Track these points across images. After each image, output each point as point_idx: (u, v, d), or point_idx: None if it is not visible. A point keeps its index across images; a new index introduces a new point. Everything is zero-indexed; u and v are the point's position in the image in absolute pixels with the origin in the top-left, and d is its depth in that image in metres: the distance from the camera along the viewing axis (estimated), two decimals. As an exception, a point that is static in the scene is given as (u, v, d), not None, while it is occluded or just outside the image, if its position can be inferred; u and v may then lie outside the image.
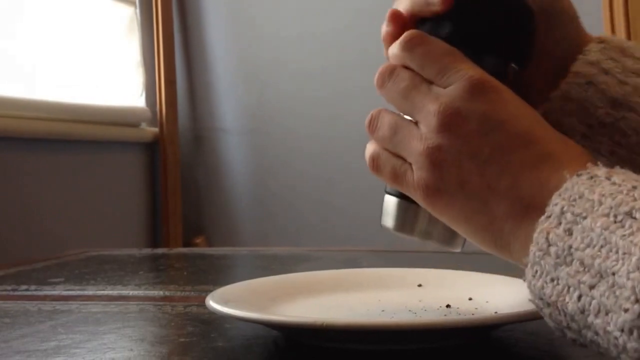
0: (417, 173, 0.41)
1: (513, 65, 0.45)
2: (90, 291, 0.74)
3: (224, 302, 0.50)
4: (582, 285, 0.33)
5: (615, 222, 0.32)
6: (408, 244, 0.55)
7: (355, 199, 1.71)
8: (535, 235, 0.35)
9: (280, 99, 1.87)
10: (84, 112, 1.62)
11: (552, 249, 0.34)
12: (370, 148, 0.45)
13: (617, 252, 0.32)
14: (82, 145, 1.62)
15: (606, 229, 0.32)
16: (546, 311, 0.35)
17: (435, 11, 0.44)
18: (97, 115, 1.67)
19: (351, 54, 1.76)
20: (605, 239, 0.32)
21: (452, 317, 0.52)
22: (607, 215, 0.33)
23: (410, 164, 0.42)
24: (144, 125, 1.85)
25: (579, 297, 0.33)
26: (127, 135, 1.80)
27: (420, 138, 0.41)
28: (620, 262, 0.31)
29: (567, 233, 0.34)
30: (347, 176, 1.75)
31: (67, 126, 1.56)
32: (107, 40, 1.75)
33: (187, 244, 1.88)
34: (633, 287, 0.30)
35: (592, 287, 0.32)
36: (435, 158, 0.40)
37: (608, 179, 0.35)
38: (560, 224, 0.34)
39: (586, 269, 0.33)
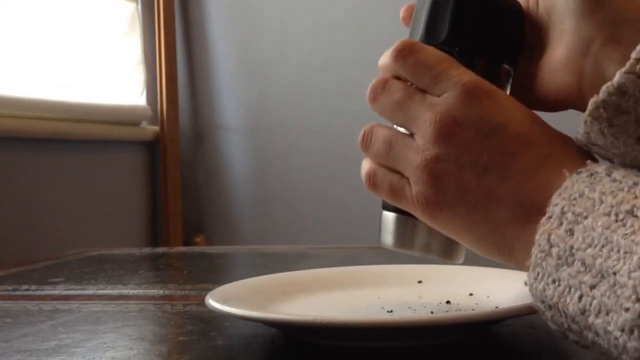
0: (415, 187, 0.41)
1: (506, 66, 0.44)
2: (90, 290, 0.74)
3: (224, 301, 0.50)
4: (583, 286, 0.32)
5: (616, 220, 0.32)
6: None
7: (354, 197, 1.70)
8: (537, 237, 0.35)
9: (281, 96, 1.87)
10: (85, 111, 1.62)
11: (554, 250, 0.34)
12: (366, 165, 0.44)
13: (618, 251, 0.31)
14: (82, 145, 1.62)
15: (607, 228, 0.32)
16: (548, 314, 0.35)
17: None
18: (98, 114, 1.67)
19: (354, 51, 1.76)
20: (606, 238, 0.32)
21: (452, 313, 0.52)
22: (608, 214, 0.32)
23: (407, 178, 0.41)
24: (144, 123, 1.85)
25: (580, 298, 0.33)
26: (128, 134, 1.79)
27: (417, 150, 0.40)
28: (622, 261, 0.31)
29: (568, 233, 0.34)
30: (347, 174, 1.75)
31: (67, 125, 1.56)
32: (108, 38, 1.75)
33: (187, 242, 1.88)
34: (634, 286, 0.30)
35: (593, 287, 0.32)
36: (433, 170, 0.39)
37: (608, 175, 0.34)
38: (561, 224, 0.34)
39: (587, 269, 0.32)
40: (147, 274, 0.91)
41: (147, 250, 1.23)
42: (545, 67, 0.42)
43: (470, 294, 0.57)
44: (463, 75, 0.40)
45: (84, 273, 0.88)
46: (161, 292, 0.73)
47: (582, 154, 0.38)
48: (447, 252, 0.45)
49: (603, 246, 0.32)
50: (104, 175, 1.69)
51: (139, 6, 1.85)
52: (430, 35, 0.43)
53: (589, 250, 0.32)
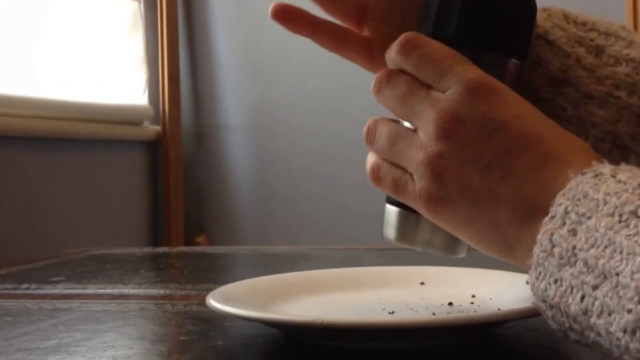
0: (418, 183, 0.40)
1: (514, 60, 0.44)
2: (90, 290, 0.74)
3: (224, 301, 0.50)
4: (585, 286, 0.32)
5: (620, 221, 0.32)
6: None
7: (357, 197, 1.70)
8: (539, 236, 0.35)
9: (284, 96, 1.86)
10: (87, 111, 1.62)
11: (556, 250, 0.34)
12: (370, 159, 0.44)
13: (621, 252, 0.31)
14: (84, 144, 1.62)
15: (611, 228, 0.32)
16: (549, 314, 0.35)
17: None
18: (100, 114, 1.67)
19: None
20: (609, 239, 0.32)
21: (454, 315, 0.51)
22: (612, 214, 0.32)
23: (411, 173, 0.41)
24: (146, 123, 1.85)
25: (582, 298, 0.32)
26: (130, 134, 1.79)
27: (420, 146, 0.40)
28: (625, 262, 0.31)
29: (571, 233, 0.33)
30: (349, 174, 1.75)
31: (69, 125, 1.56)
32: (110, 37, 1.75)
33: (189, 242, 1.88)
34: (637, 288, 0.30)
35: (595, 288, 0.32)
36: (436, 166, 0.39)
37: (613, 176, 0.34)
38: (564, 224, 0.34)
39: (590, 270, 0.32)
40: (148, 274, 0.91)
41: (148, 249, 1.23)
42: None
43: (473, 296, 0.56)
44: (468, 71, 0.40)
45: (84, 272, 0.88)
46: (162, 291, 0.73)
47: (587, 154, 0.38)
48: (449, 248, 0.45)
49: (606, 247, 0.32)
50: (106, 174, 1.69)
51: (142, 5, 1.85)
52: (437, 29, 0.43)
53: (592, 251, 0.32)
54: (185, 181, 1.91)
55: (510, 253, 0.39)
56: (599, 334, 0.32)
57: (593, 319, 0.32)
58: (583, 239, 0.33)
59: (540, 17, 0.47)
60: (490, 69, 0.41)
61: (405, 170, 0.42)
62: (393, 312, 0.53)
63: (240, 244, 1.83)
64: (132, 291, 0.73)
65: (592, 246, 0.32)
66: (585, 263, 0.32)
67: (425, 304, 0.55)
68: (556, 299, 0.34)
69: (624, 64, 0.46)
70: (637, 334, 0.30)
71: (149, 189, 1.86)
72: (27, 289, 0.76)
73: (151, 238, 1.86)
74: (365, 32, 0.51)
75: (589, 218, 0.33)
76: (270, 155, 1.88)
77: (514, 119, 0.39)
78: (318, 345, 0.47)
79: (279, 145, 1.87)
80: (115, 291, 0.73)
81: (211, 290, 0.54)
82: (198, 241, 1.90)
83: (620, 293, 0.31)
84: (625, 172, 0.34)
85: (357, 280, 0.62)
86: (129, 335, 0.54)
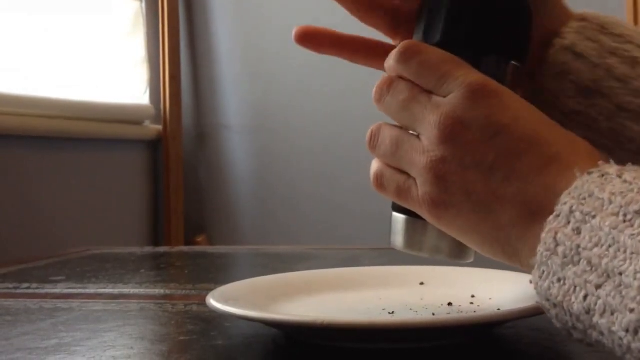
0: (422, 188, 0.40)
1: (514, 63, 0.44)
2: (91, 289, 0.74)
3: (225, 301, 0.50)
4: (588, 285, 0.32)
5: (624, 221, 0.32)
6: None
7: (357, 197, 1.70)
8: (543, 235, 0.35)
9: (284, 96, 1.86)
10: (88, 110, 1.62)
11: (560, 249, 0.34)
12: (374, 166, 0.44)
13: (625, 251, 0.31)
14: (85, 143, 1.62)
15: (615, 228, 0.32)
16: (553, 312, 0.35)
17: None
18: (101, 113, 1.67)
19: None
20: (613, 238, 0.32)
21: (453, 315, 0.51)
22: (617, 214, 0.32)
23: (414, 179, 0.41)
24: (147, 122, 1.85)
25: (585, 297, 0.32)
26: (131, 133, 1.80)
27: (423, 151, 0.40)
28: (628, 262, 0.31)
29: (575, 232, 0.33)
30: (350, 174, 1.75)
31: (70, 124, 1.56)
32: (112, 36, 1.75)
33: (189, 242, 1.88)
34: (639, 287, 0.30)
35: (598, 287, 0.32)
36: (439, 171, 0.39)
37: (619, 176, 0.34)
38: (569, 223, 0.34)
39: (593, 269, 0.32)
40: (149, 273, 0.91)
41: (149, 249, 1.23)
42: (537, 48, 0.46)
43: (472, 296, 0.56)
44: (468, 75, 0.40)
45: (85, 272, 0.88)
46: (162, 291, 0.73)
47: (591, 155, 0.38)
48: (456, 253, 0.45)
49: (610, 246, 0.32)
50: (107, 174, 1.69)
51: (143, 5, 1.85)
52: (433, 35, 0.43)
53: (596, 250, 0.32)
54: (186, 181, 1.91)
55: (514, 256, 0.39)
56: (601, 333, 0.32)
57: (596, 318, 0.32)
58: (587, 238, 0.33)
59: (572, 26, 0.46)
60: (491, 72, 0.41)
61: (408, 176, 0.42)
62: (393, 313, 0.53)
63: (241, 243, 1.83)
64: (132, 291, 0.73)
65: (596, 245, 0.32)
66: (589, 262, 0.32)
67: (425, 304, 0.55)
68: (559, 298, 0.34)
69: None
70: None
71: (150, 188, 1.86)
72: (28, 288, 0.76)
73: (151, 237, 1.86)
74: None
75: (594, 217, 0.33)
76: (271, 155, 1.88)
77: (516, 121, 0.39)
78: (318, 345, 0.47)
79: (279, 145, 1.87)
80: (116, 291, 0.73)
81: (211, 290, 0.54)
82: (198, 241, 1.90)
83: (624, 292, 0.31)
84: (631, 172, 0.34)
85: (357, 280, 0.62)
86: (130, 335, 0.54)
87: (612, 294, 0.31)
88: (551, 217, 0.35)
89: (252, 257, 1.11)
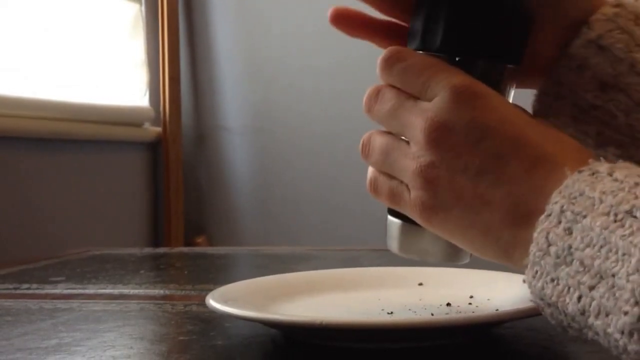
0: (413, 192, 0.41)
1: (509, 65, 0.43)
2: (91, 290, 0.74)
3: (224, 301, 0.50)
4: (582, 286, 0.32)
5: (615, 221, 0.32)
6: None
7: (356, 199, 1.70)
8: (535, 234, 0.35)
9: (284, 98, 1.87)
10: (87, 112, 1.62)
11: (552, 249, 0.34)
12: (370, 172, 0.45)
13: (616, 252, 0.31)
14: (84, 145, 1.62)
15: (606, 228, 0.32)
16: (547, 311, 0.35)
17: None
18: (101, 115, 1.67)
19: (358, 51, 1.75)
20: (605, 238, 0.32)
21: (452, 315, 0.51)
22: (608, 214, 0.32)
23: (405, 184, 0.42)
24: (147, 124, 1.85)
25: (579, 298, 0.32)
26: (130, 135, 1.80)
27: (412, 157, 0.40)
28: (620, 263, 0.31)
29: (566, 232, 0.33)
30: (349, 175, 1.75)
31: (70, 126, 1.56)
32: (112, 38, 1.75)
33: (189, 243, 1.88)
34: (632, 290, 0.30)
35: (592, 288, 0.32)
36: (428, 175, 0.40)
37: (610, 174, 0.34)
38: (560, 222, 0.34)
39: (586, 270, 0.32)
40: (148, 274, 0.91)
41: (149, 250, 1.24)
42: (563, 35, 0.44)
43: (471, 297, 0.57)
44: (452, 77, 0.40)
45: (85, 272, 0.88)
46: (162, 292, 0.73)
47: (580, 153, 0.38)
48: (450, 257, 0.45)
49: (601, 247, 0.32)
50: (107, 175, 1.70)
51: (143, 7, 1.85)
52: (425, 41, 0.43)
53: (588, 251, 0.32)
54: (186, 182, 1.91)
55: (506, 257, 0.39)
56: (597, 334, 0.32)
57: (591, 319, 0.32)
58: (579, 238, 0.33)
59: (605, 13, 0.44)
60: (483, 76, 0.41)
61: (400, 181, 0.42)
62: (392, 313, 0.53)
63: (240, 244, 1.83)
64: (132, 291, 0.73)
65: (588, 246, 0.32)
66: (582, 263, 0.32)
67: (424, 305, 0.55)
68: (553, 298, 0.34)
69: None
70: (635, 335, 0.30)
71: (150, 189, 1.87)
72: (28, 288, 0.76)
73: (151, 238, 1.86)
74: None
75: (585, 217, 0.33)
76: (270, 157, 1.89)
77: (502, 123, 0.39)
78: (317, 346, 0.48)
79: (279, 146, 1.87)
80: (116, 291, 0.73)
81: (211, 290, 0.54)
82: (198, 242, 1.90)
83: (617, 294, 0.31)
84: (622, 170, 0.34)
85: (356, 280, 0.62)
86: (129, 335, 0.54)
87: (606, 295, 0.31)
88: (542, 217, 0.35)
89: (251, 257, 1.12)
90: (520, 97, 0.45)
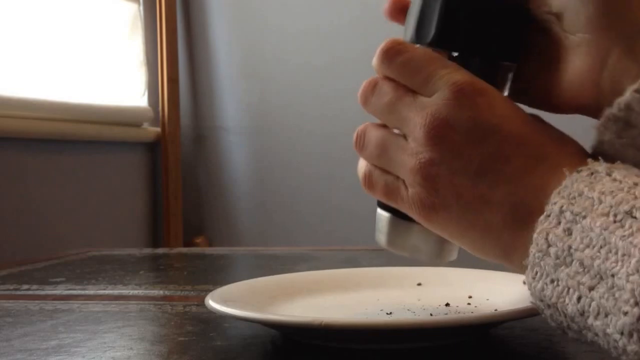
0: (411, 189, 0.40)
1: (507, 62, 0.43)
2: (91, 291, 0.74)
3: (223, 302, 0.50)
4: (581, 287, 0.32)
5: (614, 221, 0.32)
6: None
7: (355, 198, 1.70)
8: (535, 235, 0.35)
9: (283, 98, 1.87)
10: (86, 112, 1.62)
11: (552, 250, 0.34)
12: (362, 165, 0.44)
13: (616, 253, 0.31)
14: (83, 145, 1.62)
15: (606, 229, 0.32)
16: (547, 312, 0.35)
17: None
18: (99, 115, 1.67)
19: (356, 52, 1.75)
20: (604, 239, 0.32)
21: (451, 315, 0.52)
22: (607, 214, 0.32)
23: (402, 179, 0.41)
24: (145, 125, 1.85)
25: (579, 299, 0.32)
26: (129, 135, 1.80)
27: (411, 153, 0.40)
28: (620, 263, 0.31)
29: (566, 233, 0.33)
30: (347, 175, 1.74)
31: (69, 126, 1.56)
32: (110, 39, 1.75)
33: (188, 243, 1.88)
34: (632, 290, 0.30)
35: (591, 289, 0.32)
36: (428, 172, 0.39)
37: (609, 174, 0.34)
38: (559, 223, 0.34)
39: (586, 270, 0.32)
40: (148, 275, 0.91)
41: (148, 250, 1.24)
42: (561, 77, 0.40)
43: (470, 297, 0.57)
44: (453, 74, 0.39)
45: (84, 273, 0.88)
46: (161, 292, 0.73)
47: (580, 153, 0.38)
48: (437, 254, 0.45)
49: (601, 247, 0.32)
50: (105, 176, 1.70)
51: (141, 7, 1.85)
52: (420, 35, 0.42)
53: (587, 251, 0.32)
54: (185, 182, 1.91)
55: (505, 258, 0.39)
56: (596, 335, 0.32)
57: (590, 320, 0.32)
58: (578, 238, 0.33)
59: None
60: (480, 72, 0.41)
61: (397, 177, 0.41)
62: (391, 313, 0.53)
63: (239, 245, 1.84)
64: (132, 292, 0.73)
65: (588, 246, 0.32)
66: (581, 263, 0.32)
67: (423, 305, 0.55)
68: (553, 299, 0.34)
69: None
70: (634, 336, 0.30)
71: (149, 190, 1.87)
72: (28, 289, 0.76)
73: (150, 239, 1.86)
74: None
75: (584, 217, 0.33)
76: (269, 157, 1.89)
77: (502, 121, 0.38)
78: (316, 346, 0.48)
79: (277, 147, 1.87)
80: (115, 292, 0.73)
81: (210, 291, 0.54)
82: (197, 242, 1.90)
83: (616, 295, 0.31)
84: (621, 170, 0.34)
85: (355, 281, 0.62)
86: (129, 336, 0.54)
87: (606, 296, 0.31)
88: (542, 217, 0.35)
89: (250, 258, 1.12)
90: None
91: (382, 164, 0.42)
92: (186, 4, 1.95)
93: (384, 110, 0.42)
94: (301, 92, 1.85)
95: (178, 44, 1.91)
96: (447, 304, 0.55)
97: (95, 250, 1.12)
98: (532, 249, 0.35)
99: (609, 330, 0.31)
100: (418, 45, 0.42)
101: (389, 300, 0.57)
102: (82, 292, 0.74)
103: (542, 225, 0.35)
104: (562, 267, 0.33)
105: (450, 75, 0.39)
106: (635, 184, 0.33)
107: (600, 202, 0.33)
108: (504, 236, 0.38)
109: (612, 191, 0.33)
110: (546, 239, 0.34)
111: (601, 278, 0.31)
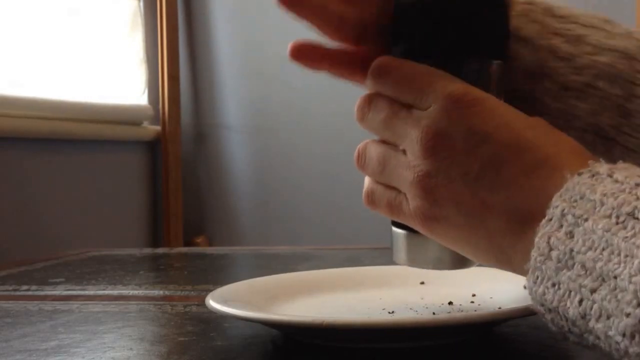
0: (412, 202, 0.41)
1: (496, 61, 0.43)
2: (90, 291, 0.74)
3: (224, 302, 0.50)
4: (583, 289, 0.32)
5: (617, 223, 0.32)
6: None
7: (356, 197, 1.70)
8: (536, 239, 0.35)
9: (284, 96, 1.86)
10: (86, 111, 1.62)
11: (554, 253, 0.33)
12: (366, 183, 0.44)
13: (619, 254, 0.31)
14: (83, 144, 1.62)
15: (608, 230, 0.32)
16: (548, 317, 0.35)
17: None
18: (99, 114, 1.67)
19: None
20: (607, 241, 0.31)
21: (454, 314, 0.51)
22: (609, 216, 0.32)
23: (404, 194, 0.41)
24: (146, 123, 1.85)
25: (580, 302, 0.32)
26: (129, 134, 1.79)
27: (409, 166, 0.40)
28: (622, 265, 0.30)
29: (568, 236, 0.33)
30: (349, 174, 1.74)
31: (68, 125, 1.56)
32: (110, 36, 1.75)
33: (188, 243, 1.88)
34: (635, 291, 0.30)
35: (593, 291, 0.31)
36: (426, 185, 0.39)
37: (610, 176, 0.34)
38: (561, 227, 0.34)
39: (587, 273, 0.32)
40: (148, 275, 0.90)
41: (148, 250, 1.23)
42: None
43: (473, 295, 0.56)
44: (447, 85, 0.40)
45: (84, 273, 0.88)
46: (161, 292, 0.73)
47: (580, 154, 0.38)
48: (460, 261, 0.45)
49: (603, 249, 0.31)
50: (105, 175, 1.69)
51: (141, 4, 1.85)
52: (407, 48, 0.42)
53: (589, 254, 0.32)
54: (185, 181, 1.91)
55: (507, 263, 0.38)
56: (598, 338, 0.32)
57: (592, 323, 0.32)
58: (580, 241, 0.33)
59: (517, 10, 0.46)
60: (473, 76, 0.41)
61: (399, 191, 0.42)
62: (393, 312, 0.53)
63: (240, 244, 1.83)
64: (131, 292, 0.73)
65: (590, 249, 0.32)
66: (583, 266, 0.32)
67: (426, 304, 0.55)
68: (554, 303, 0.34)
69: (604, 53, 0.45)
70: (637, 337, 0.29)
71: (149, 189, 1.86)
72: (28, 290, 0.76)
73: (150, 239, 1.86)
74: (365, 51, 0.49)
75: (586, 220, 0.33)
76: (270, 155, 1.88)
77: (499, 127, 0.38)
78: (317, 346, 0.47)
79: (278, 145, 1.87)
80: (115, 292, 0.73)
81: (210, 291, 0.54)
82: (197, 242, 1.90)
83: (619, 296, 0.30)
84: (622, 171, 0.34)
85: (357, 280, 0.62)
86: (129, 336, 0.54)
87: (608, 297, 0.31)
88: (543, 221, 0.35)
89: (251, 257, 1.11)
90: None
91: (384, 179, 0.43)
92: (187, 1, 1.95)
93: (381, 127, 0.42)
94: (303, 90, 1.84)
95: (179, 41, 1.91)
96: (450, 303, 0.55)
97: (95, 251, 1.11)
98: (534, 253, 0.35)
99: (610, 333, 0.31)
100: (406, 59, 0.42)
101: (392, 299, 0.57)
102: (82, 292, 0.73)
103: (544, 229, 0.34)
104: (564, 271, 0.33)
105: (444, 88, 0.39)
106: (637, 185, 0.33)
107: (602, 204, 0.33)
108: (506, 241, 0.38)
109: (614, 193, 0.33)
110: (548, 242, 0.34)
111: (603, 280, 0.31)
